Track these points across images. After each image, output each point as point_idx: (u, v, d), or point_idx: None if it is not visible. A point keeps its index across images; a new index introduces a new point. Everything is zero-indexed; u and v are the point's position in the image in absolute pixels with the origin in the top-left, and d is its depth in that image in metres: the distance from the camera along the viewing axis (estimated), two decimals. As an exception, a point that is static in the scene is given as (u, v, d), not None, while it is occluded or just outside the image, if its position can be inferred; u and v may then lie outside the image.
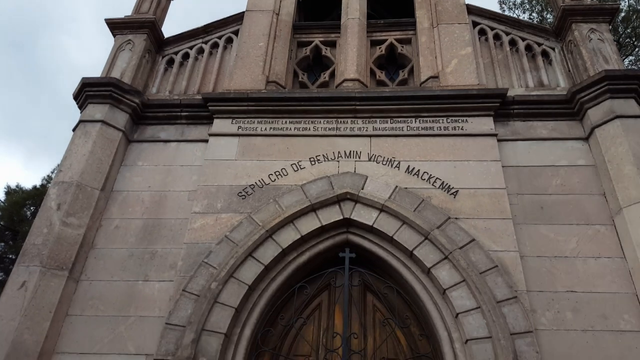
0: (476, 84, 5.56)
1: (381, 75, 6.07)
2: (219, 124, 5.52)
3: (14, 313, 4.16)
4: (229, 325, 4.24)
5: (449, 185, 4.87)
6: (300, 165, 5.14)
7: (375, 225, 4.69)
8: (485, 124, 5.26)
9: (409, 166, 5.04)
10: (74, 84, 5.37)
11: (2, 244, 10.81)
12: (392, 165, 5.06)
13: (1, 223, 10.71)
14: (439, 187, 4.88)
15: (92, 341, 4.34)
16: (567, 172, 4.99)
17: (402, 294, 4.62)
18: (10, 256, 10.30)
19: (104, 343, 4.32)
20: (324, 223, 4.76)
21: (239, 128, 5.47)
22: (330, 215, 4.81)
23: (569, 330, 4.12)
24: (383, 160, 5.11)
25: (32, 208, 10.59)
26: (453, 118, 5.32)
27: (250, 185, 5.03)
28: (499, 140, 5.17)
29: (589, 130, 5.13)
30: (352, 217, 4.78)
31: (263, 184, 5.04)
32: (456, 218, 4.66)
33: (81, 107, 5.61)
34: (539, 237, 4.61)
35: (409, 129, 5.31)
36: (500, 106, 5.33)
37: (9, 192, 11.24)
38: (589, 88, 5.15)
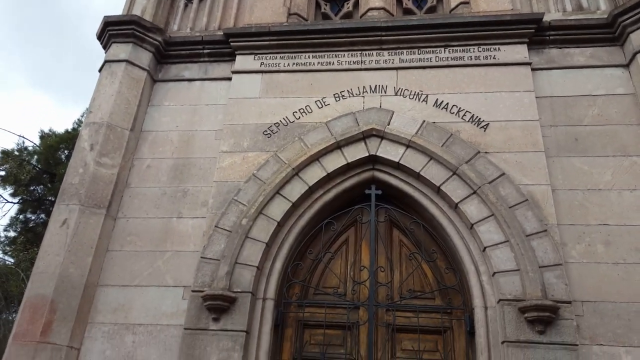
0: (509, 9, 5.22)
1: (408, 2, 5.75)
2: (242, 61, 5.43)
3: (59, 249, 4.43)
4: (261, 259, 4.40)
5: (479, 118, 4.73)
6: (324, 102, 5.06)
7: (401, 162, 4.65)
8: (519, 52, 5.00)
9: (437, 99, 4.89)
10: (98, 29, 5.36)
11: (41, 186, 11.30)
12: (419, 99, 4.92)
13: (38, 167, 11.14)
14: (468, 121, 4.75)
15: (132, 274, 4.62)
16: (604, 102, 4.76)
17: (429, 229, 4.65)
18: (50, 198, 10.79)
19: (144, 276, 4.59)
20: (349, 160, 4.74)
21: (261, 64, 5.37)
22: (356, 152, 4.78)
23: (600, 263, 4.11)
24: (410, 94, 4.96)
25: (66, 152, 10.93)
26: (484, 46, 5.07)
27: (275, 124, 5.01)
28: (532, 70, 4.93)
29: (630, 56, 4.82)
30: (377, 153, 4.74)
31: (288, 121, 5.01)
32: (486, 152, 4.56)
33: (105, 47, 5.61)
34: (572, 169, 4.50)
35: (437, 59, 5.10)
36: (535, 32, 5.02)
37: (43, 136, 11.58)
38: (633, 10, 4.79)
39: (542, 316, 3.76)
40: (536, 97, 4.78)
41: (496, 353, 3.91)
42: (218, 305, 4.13)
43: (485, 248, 4.17)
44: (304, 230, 4.72)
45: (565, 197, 4.38)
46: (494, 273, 4.07)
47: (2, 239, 11.18)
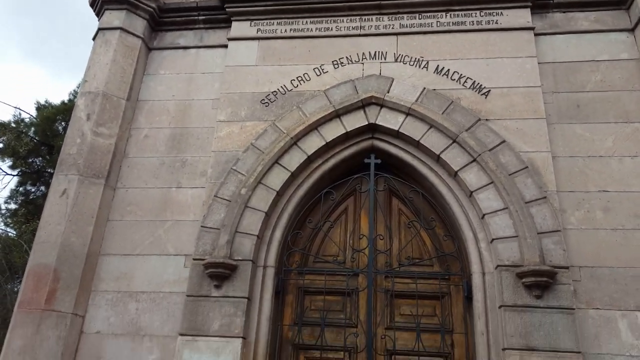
0: (514, -28, 5.08)
1: (409, -34, 5.59)
2: (238, 27, 5.32)
3: (59, 218, 4.45)
4: (260, 228, 4.43)
5: (481, 85, 4.67)
6: (322, 69, 4.98)
7: (401, 130, 4.61)
8: (522, 16, 4.89)
9: (438, 66, 4.81)
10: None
11: (40, 158, 11.28)
12: (419, 66, 4.84)
13: (36, 139, 11.08)
14: (469, 88, 4.69)
15: (133, 244, 4.65)
16: (607, 67, 4.69)
17: (428, 197, 4.66)
18: (49, 170, 10.79)
19: (145, 245, 4.63)
20: (348, 129, 4.70)
21: (258, 31, 5.27)
22: (355, 120, 4.73)
23: (599, 229, 4.14)
24: (410, 61, 4.88)
25: (63, 123, 10.84)
26: (487, 11, 4.95)
27: (272, 92, 4.95)
28: (535, 35, 4.85)
29: (635, 20, 4.72)
30: (377, 122, 4.69)
31: (285, 90, 4.95)
32: (487, 119, 4.53)
33: (98, 14, 5.49)
34: (573, 136, 4.47)
35: (438, 24, 5.00)
36: (540, -5, 4.91)
37: (39, 107, 11.47)
38: (641, -29, 4.65)
39: (540, 281, 3.80)
40: (538, 63, 4.71)
41: (493, 317, 3.98)
42: (219, 272, 4.18)
43: (484, 215, 4.18)
44: (303, 199, 4.73)
45: (566, 164, 4.37)
46: (492, 240, 4.10)
47: (3, 212, 11.27)
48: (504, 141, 4.39)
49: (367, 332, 4.15)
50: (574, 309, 3.80)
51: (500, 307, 3.91)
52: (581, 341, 3.74)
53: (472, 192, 4.27)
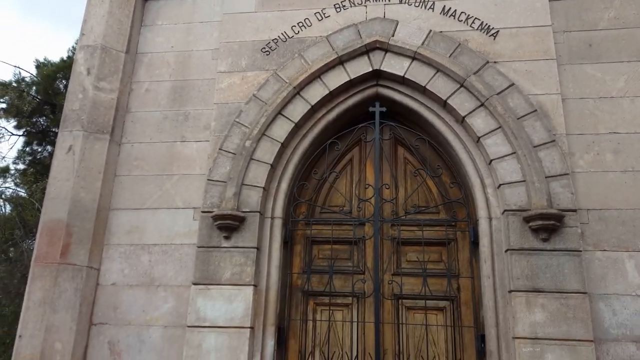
0: None
1: None
2: (235, -29, 5.10)
3: (68, 174, 4.49)
4: (266, 180, 4.44)
5: (489, 26, 4.50)
6: (324, 14, 4.81)
7: (406, 76, 4.50)
8: (534, -49, 4.63)
9: (444, 6, 4.62)
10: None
11: (43, 117, 11.25)
12: (425, 7, 4.65)
13: (38, 98, 11.01)
14: (477, 29, 4.52)
15: (142, 198, 4.71)
16: (622, 3, 4.49)
17: (434, 145, 4.61)
18: (54, 130, 10.78)
19: (154, 199, 4.68)
20: (352, 77, 4.59)
21: (256, -26, 5.05)
22: (359, 67, 4.61)
23: (608, 171, 4.09)
24: (416, 2, 4.69)
25: (64, 81, 10.72)
26: (496, -55, 4.69)
27: (273, 40, 4.81)
28: (547, -30, 4.60)
29: (655, -50, 4.46)
30: (382, 68, 4.57)
31: (286, 37, 4.80)
32: (495, 62, 4.39)
33: (90, -36, 5.27)
34: (584, 77, 4.34)
35: (445, -38, 4.75)
36: None
37: (39, 65, 11.31)
38: None
39: (547, 224, 3.81)
40: (549, 1, 4.50)
41: (499, 261, 4.02)
42: (228, 224, 4.24)
43: (491, 161, 4.14)
44: (308, 150, 4.70)
45: (576, 106, 4.27)
46: (500, 185, 4.08)
47: (12, 172, 11.39)
48: (512, 84, 4.27)
49: (374, 278, 4.23)
50: (580, 251, 3.83)
51: (506, 251, 3.94)
52: (587, 282, 3.79)
53: (479, 138, 4.21)
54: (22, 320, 4.24)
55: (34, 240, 4.83)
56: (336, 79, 4.60)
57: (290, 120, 4.53)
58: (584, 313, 3.68)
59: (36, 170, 10.67)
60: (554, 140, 4.07)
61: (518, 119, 4.16)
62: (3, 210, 11.08)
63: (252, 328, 4.07)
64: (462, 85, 4.34)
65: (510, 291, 3.84)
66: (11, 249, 10.19)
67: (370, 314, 4.27)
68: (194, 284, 4.20)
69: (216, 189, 4.42)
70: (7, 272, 9.62)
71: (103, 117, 4.71)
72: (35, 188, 9.68)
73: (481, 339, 4.01)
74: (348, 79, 4.59)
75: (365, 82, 4.67)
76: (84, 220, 4.46)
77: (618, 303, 3.82)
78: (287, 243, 4.55)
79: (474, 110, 4.27)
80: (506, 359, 3.80)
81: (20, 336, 4.19)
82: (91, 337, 4.40)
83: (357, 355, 4.23)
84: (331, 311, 4.40)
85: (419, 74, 4.48)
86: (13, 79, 11.28)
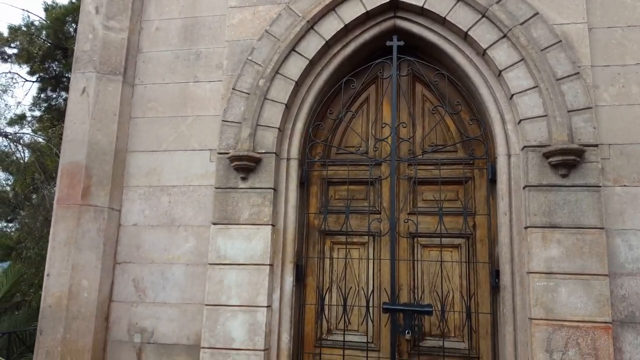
0: None
1: None
2: None
3: (83, 117, 4.50)
4: (281, 120, 4.39)
5: (513, -50, 4.21)
6: (338, -63, 4.53)
7: (425, 6, 4.29)
8: None
9: None
10: None
11: (56, 63, 11.19)
12: None
13: (49, 42, 10.89)
14: (500, -47, 4.24)
15: (158, 140, 4.72)
16: None
17: (453, 80, 4.47)
18: (67, 75, 10.76)
19: (170, 141, 4.70)
20: (368, 8, 4.39)
21: None
22: (376, -2, 4.40)
23: (633, 104, 3.95)
24: None
25: (73, 25, 10.55)
26: None
27: (286, -29, 4.59)
28: None
29: None
30: (400, -2, 4.37)
31: (300, -32, 4.58)
32: (519, -11, 4.15)
33: None
34: (613, 4, 4.09)
35: None
36: None
37: (47, 8, 11.10)
38: None
39: (567, 160, 3.74)
40: None
41: (517, 198, 4.00)
42: (244, 165, 4.25)
43: (512, 95, 4.02)
44: (323, 89, 4.61)
45: (602, 35, 4.06)
46: (520, 120, 3.98)
47: (29, 119, 11.51)
48: (537, 13, 4.06)
49: (390, 217, 4.26)
50: (600, 186, 3.77)
51: (524, 187, 3.91)
52: (605, 218, 3.77)
53: (501, 72, 4.06)
54: (48, 259, 4.41)
55: (55, 185, 4.92)
56: (351, 11, 4.41)
57: (304, 57, 4.42)
58: (600, 248, 3.68)
59: (52, 117, 10.76)
60: (578, 73, 3.92)
61: (541, 50, 3.98)
62: (23, 155, 11.32)
63: (271, 265, 4.18)
64: (484, 16, 4.14)
65: (526, 227, 3.85)
66: (33, 195, 10.49)
67: (386, 252, 4.34)
68: (214, 223, 4.28)
69: (231, 130, 4.40)
70: (30, 216, 9.96)
71: (115, 58, 4.65)
72: (52, 133, 9.79)
73: (495, 274, 4.06)
74: (364, 10, 4.40)
75: (382, 14, 4.47)
76: (103, 163, 4.51)
77: (635, 238, 3.81)
78: (304, 184, 4.57)
79: (495, 42, 4.10)
80: (520, 293, 3.86)
81: (48, 275, 4.38)
82: (116, 275, 4.58)
83: (373, 291, 4.34)
84: (348, 249, 4.48)
85: (439, 4, 4.27)
86: (22, 23, 11.14)
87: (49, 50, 10.79)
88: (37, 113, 11.44)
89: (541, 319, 3.65)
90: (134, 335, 4.42)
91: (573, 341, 3.58)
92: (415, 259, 4.36)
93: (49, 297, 4.30)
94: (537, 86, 3.95)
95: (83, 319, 4.28)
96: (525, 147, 3.93)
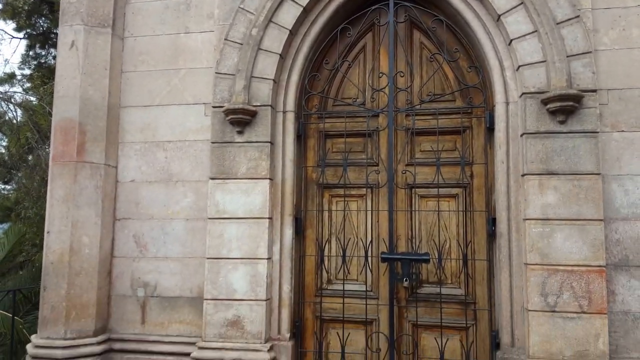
0: None
1: None
2: None
3: (74, 72, 4.40)
4: (276, 72, 4.31)
5: None
6: None
7: (423, -51, 4.14)
8: None
9: None
10: None
11: (43, 18, 10.82)
12: None
13: (34, -6, 10.52)
14: None
15: (151, 94, 4.64)
16: None
17: (452, 26, 4.36)
18: (55, 31, 10.43)
19: (163, 95, 4.62)
20: (364, -48, 4.24)
21: None
22: (372, -60, 4.23)
23: (633, 48, 3.88)
24: None
25: (58, -24, 10.17)
26: None
27: None
28: None
29: None
30: (396, -59, 4.20)
31: None
32: None
33: None
34: (619, -59, 3.95)
35: None
36: None
37: (31, -40, 10.66)
38: None
39: (565, 106, 3.71)
40: None
41: (514, 146, 4.00)
42: (240, 119, 4.20)
43: (511, 41, 3.94)
44: (319, 38, 4.49)
45: (604, -25, 3.94)
46: (519, 67, 3.92)
47: (19, 78, 11.26)
48: (538, -46, 3.92)
49: (388, 168, 4.27)
50: (597, 132, 3.76)
51: (522, 135, 3.90)
52: (602, 164, 3.78)
53: (499, 16, 3.96)
54: (47, 217, 4.43)
55: (50, 145, 4.87)
56: (346, -45, 4.25)
57: (298, 4, 4.27)
58: (596, 193, 3.71)
59: (42, 75, 10.52)
60: (578, 16, 3.82)
61: (542, -7, 3.87)
62: (15, 115, 11.16)
63: (270, 219, 4.21)
64: (482, -42, 4.00)
65: (523, 175, 3.86)
66: (29, 157, 10.42)
67: (384, 203, 4.37)
68: (211, 178, 4.28)
69: (225, 83, 4.32)
70: (27, 176, 9.93)
71: (102, 9, 4.49)
72: (43, 92, 9.60)
73: (492, 222, 4.11)
74: (359, -45, 4.24)
75: (378, -44, 4.31)
76: (96, 119, 4.45)
77: (631, 183, 3.84)
78: (301, 137, 4.54)
79: (495, -14, 3.98)
80: (516, 239, 3.93)
81: (48, 232, 4.40)
82: (116, 231, 4.61)
83: (371, 242, 4.40)
84: (346, 202, 4.51)
85: (437, -54, 4.11)
86: (4, -24, 10.68)
87: (34, 5, 10.40)
88: (27, 71, 11.20)
89: (536, 264, 3.72)
90: (137, 290, 4.51)
91: (567, 285, 3.67)
92: (413, 209, 4.40)
93: (51, 254, 4.34)
94: (536, 31, 3.86)
95: (86, 274, 4.34)
96: (523, 93, 3.88)
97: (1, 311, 6.50)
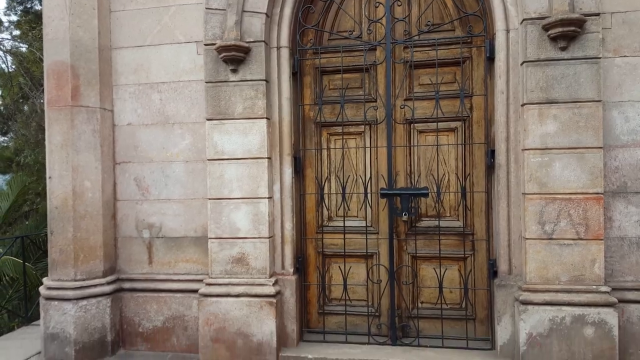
0: None
1: None
2: None
3: (61, 13, 4.26)
4: (268, 5, 4.16)
5: None
6: None
7: None
8: None
9: None
10: None
11: (25, -40, 10.36)
12: None
13: None
14: None
15: (142, 34, 4.52)
16: None
17: (451, -49, 4.15)
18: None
19: (154, 34, 4.49)
20: None
21: None
22: None
23: (640, -34, 3.71)
24: None
25: None
26: None
27: None
28: None
29: None
30: None
31: None
32: None
33: None
34: None
35: None
36: None
37: None
38: None
39: (567, 31, 3.60)
40: None
41: (514, 75, 3.92)
42: (233, 56, 4.10)
43: (513, -37, 3.76)
44: (312, -33, 4.31)
45: None
46: (523, 20, 3.76)
47: (6, 25, 10.92)
48: None
49: (386, 104, 4.21)
50: (599, 58, 3.66)
51: (522, 63, 3.81)
52: (603, 90, 3.72)
53: (501, -64, 3.76)
54: (48, 162, 4.44)
55: (43, 92, 4.79)
56: None
57: None
58: (596, 121, 3.67)
59: (30, 19, 10.20)
60: None
61: None
62: (5, 60, 10.91)
63: (269, 158, 4.21)
64: None
65: (523, 104, 3.81)
66: (25, 107, 10.31)
67: (383, 140, 4.35)
68: (208, 119, 4.24)
69: (216, 19, 4.18)
70: (23, 123, 9.85)
71: (83, -55, 4.28)
72: (32, 37, 9.35)
73: (491, 154, 4.11)
74: None
75: None
76: (88, 61, 4.36)
77: (632, 110, 3.80)
78: (296, 74, 4.45)
79: None
80: (514, 170, 3.94)
81: (50, 177, 4.43)
82: (117, 175, 4.64)
83: (370, 178, 4.43)
84: (344, 140, 4.49)
85: None
86: None
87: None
88: (14, 17, 10.85)
89: (534, 194, 3.75)
90: (143, 231, 4.60)
91: (565, 212, 3.71)
92: (412, 144, 4.39)
93: (54, 199, 4.40)
94: (541, -46, 3.67)
95: (91, 217, 4.41)
96: (524, 20, 3.76)
97: (12, 257, 6.69)
